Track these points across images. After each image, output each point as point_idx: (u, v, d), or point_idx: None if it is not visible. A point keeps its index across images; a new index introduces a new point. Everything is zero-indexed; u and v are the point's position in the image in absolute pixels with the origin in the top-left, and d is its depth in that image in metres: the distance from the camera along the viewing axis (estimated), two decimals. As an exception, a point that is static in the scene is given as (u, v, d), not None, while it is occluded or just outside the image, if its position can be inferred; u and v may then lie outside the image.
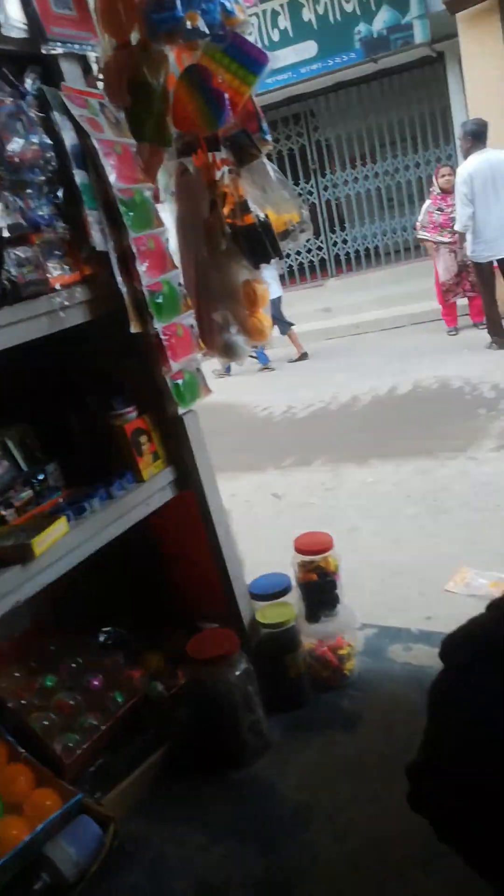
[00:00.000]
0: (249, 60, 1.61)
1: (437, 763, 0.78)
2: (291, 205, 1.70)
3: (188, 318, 1.64)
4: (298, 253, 9.35)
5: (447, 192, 6.02)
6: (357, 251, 9.31)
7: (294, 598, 1.86)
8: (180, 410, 1.64)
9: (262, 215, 1.66)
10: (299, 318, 8.76)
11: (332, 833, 1.36)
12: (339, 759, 1.54)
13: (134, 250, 1.52)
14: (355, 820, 1.38)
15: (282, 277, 9.49)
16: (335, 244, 9.35)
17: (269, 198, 1.68)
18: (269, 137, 1.63)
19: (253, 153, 1.61)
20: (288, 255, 9.37)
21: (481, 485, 3.25)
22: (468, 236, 5.45)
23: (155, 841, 1.45)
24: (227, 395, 6.22)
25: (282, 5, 7.48)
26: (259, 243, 1.64)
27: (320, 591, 1.83)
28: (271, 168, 1.65)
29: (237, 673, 1.59)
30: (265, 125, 1.62)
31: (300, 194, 9.05)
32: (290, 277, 9.56)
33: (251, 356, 6.58)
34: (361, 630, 2.01)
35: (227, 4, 1.58)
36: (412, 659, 1.85)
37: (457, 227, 5.59)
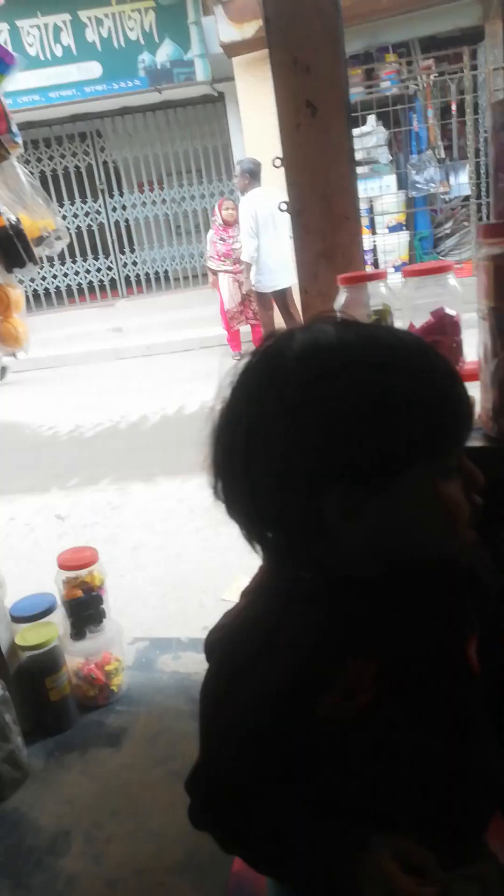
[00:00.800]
0: (-4, 59, 1.55)
1: (213, 769, 0.75)
2: (47, 211, 1.66)
3: None
4: (88, 271, 9.22)
5: (229, 224, 6.33)
6: (147, 273, 9.41)
7: (59, 618, 1.79)
8: None
9: (13, 218, 1.60)
10: (90, 337, 8.60)
11: (90, 854, 1.31)
12: (100, 778, 1.50)
13: None
14: (114, 837, 1.35)
15: (70, 294, 9.31)
16: (125, 265, 9.36)
17: (22, 202, 1.63)
18: (19, 140, 1.59)
19: (1, 154, 1.55)
20: (77, 273, 9.20)
21: (258, 497, 3.43)
22: (253, 267, 5.79)
23: None
24: (10, 414, 5.87)
25: (64, 22, 7.38)
26: (11, 247, 1.58)
27: (86, 607, 1.78)
28: (23, 172, 1.60)
29: (-10, 701, 1.48)
30: (14, 127, 1.57)
31: (88, 213, 8.94)
32: (79, 295, 9.37)
33: None
34: (132, 644, 1.99)
35: (-30, -2, 1.52)
36: (180, 667, 1.87)
37: (244, 258, 5.90)
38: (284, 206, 1.62)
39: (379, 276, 1.48)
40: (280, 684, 0.67)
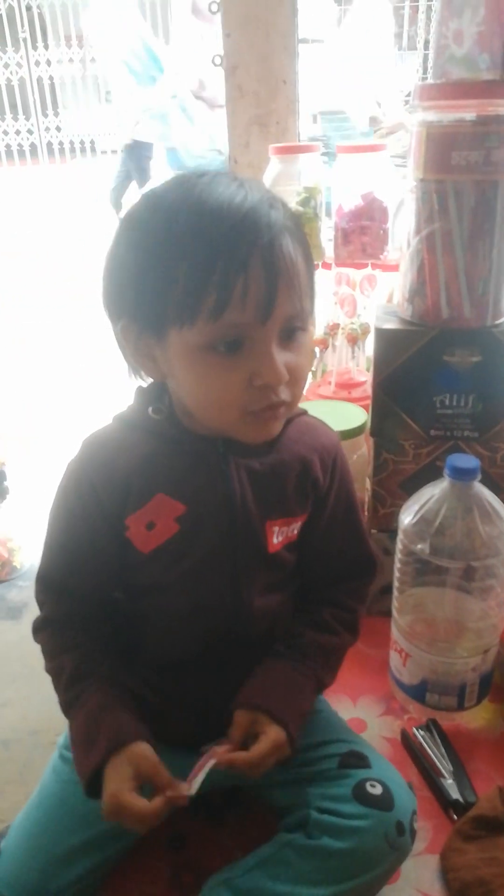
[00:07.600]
0: None
1: (42, 576, 0.84)
2: None
3: None
4: (6, 132, 8.37)
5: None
6: (72, 142, 8.64)
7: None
8: None
9: None
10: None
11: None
12: (1, 649, 1.51)
13: None
14: (10, 702, 1.37)
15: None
16: (48, 129, 8.56)
17: None
18: None
19: None
20: (-7, 134, 8.35)
21: None
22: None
23: None
24: None
25: None
26: None
27: (-11, 483, 1.73)
28: None
29: None
30: None
31: (7, 65, 7.99)
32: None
33: None
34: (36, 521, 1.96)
35: None
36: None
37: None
38: (218, 61, 1.47)
39: (313, 149, 1.39)
40: (102, 496, 0.74)
